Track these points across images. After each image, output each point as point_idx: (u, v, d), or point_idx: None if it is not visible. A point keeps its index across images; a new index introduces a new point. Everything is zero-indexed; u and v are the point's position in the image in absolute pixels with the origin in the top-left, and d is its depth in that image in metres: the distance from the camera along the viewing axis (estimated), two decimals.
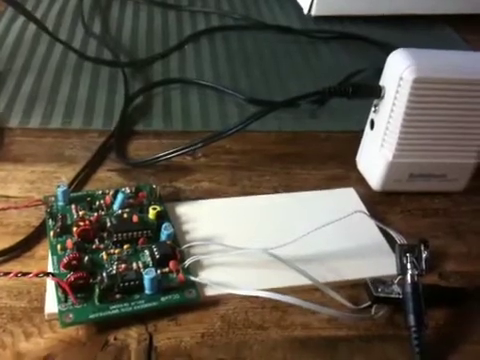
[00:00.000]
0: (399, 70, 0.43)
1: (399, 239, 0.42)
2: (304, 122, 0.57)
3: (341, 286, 0.40)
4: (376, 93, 0.46)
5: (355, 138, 0.51)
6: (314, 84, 0.61)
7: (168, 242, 0.40)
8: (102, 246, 0.40)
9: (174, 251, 0.39)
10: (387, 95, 0.45)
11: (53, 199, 0.43)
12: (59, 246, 0.39)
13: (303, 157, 0.52)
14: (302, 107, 0.57)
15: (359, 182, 0.50)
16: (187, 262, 0.39)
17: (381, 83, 0.46)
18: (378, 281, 0.38)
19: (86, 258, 0.38)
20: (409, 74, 0.43)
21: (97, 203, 0.43)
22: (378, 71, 0.47)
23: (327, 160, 0.52)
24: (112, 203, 0.43)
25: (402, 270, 0.38)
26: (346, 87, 0.47)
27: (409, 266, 0.37)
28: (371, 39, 0.71)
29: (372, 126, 0.48)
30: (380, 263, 0.41)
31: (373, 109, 0.47)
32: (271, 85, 0.62)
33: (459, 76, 0.43)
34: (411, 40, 0.72)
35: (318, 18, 0.75)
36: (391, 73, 0.44)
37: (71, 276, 0.36)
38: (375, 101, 0.47)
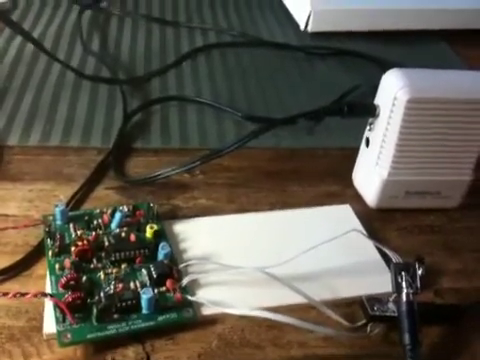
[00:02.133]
0: (393, 90, 0.44)
1: (394, 257, 0.42)
2: (301, 139, 0.57)
3: (337, 304, 0.40)
4: (371, 112, 0.46)
5: (352, 155, 0.51)
6: (312, 100, 0.61)
7: (165, 261, 0.40)
8: (100, 265, 0.40)
9: (171, 270, 0.40)
10: (382, 114, 0.45)
11: (51, 218, 0.43)
12: (57, 266, 0.39)
13: (300, 174, 0.53)
14: (299, 124, 0.57)
15: (355, 199, 0.50)
16: (184, 281, 0.39)
17: (376, 102, 0.46)
18: (374, 299, 0.39)
19: (84, 278, 0.38)
20: (403, 94, 0.43)
21: (95, 222, 0.43)
22: (374, 87, 0.47)
23: (324, 177, 0.53)
24: (110, 222, 0.43)
25: (397, 289, 0.38)
26: (341, 106, 0.47)
27: (404, 285, 0.38)
28: (368, 55, 0.72)
29: (367, 144, 0.48)
30: (376, 281, 0.41)
31: (368, 127, 0.48)
32: (268, 102, 0.63)
33: (453, 96, 0.44)
34: (407, 55, 0.73)
35: (316, 34, 0.75)
36: (385, 93, 0.45)
37: (69, 296, 0.36)
38: (370, 119, 0.47)
